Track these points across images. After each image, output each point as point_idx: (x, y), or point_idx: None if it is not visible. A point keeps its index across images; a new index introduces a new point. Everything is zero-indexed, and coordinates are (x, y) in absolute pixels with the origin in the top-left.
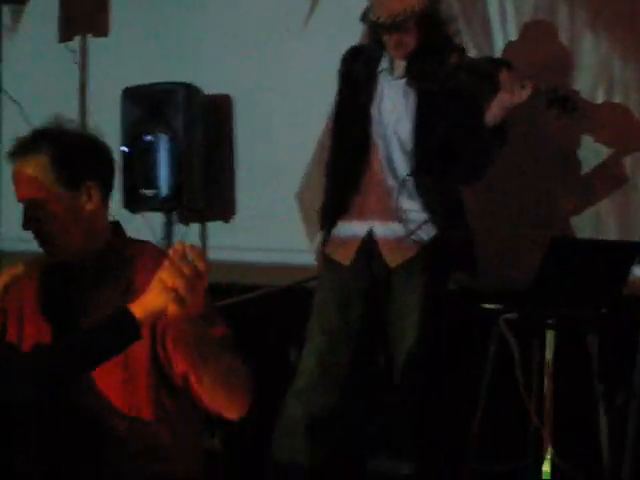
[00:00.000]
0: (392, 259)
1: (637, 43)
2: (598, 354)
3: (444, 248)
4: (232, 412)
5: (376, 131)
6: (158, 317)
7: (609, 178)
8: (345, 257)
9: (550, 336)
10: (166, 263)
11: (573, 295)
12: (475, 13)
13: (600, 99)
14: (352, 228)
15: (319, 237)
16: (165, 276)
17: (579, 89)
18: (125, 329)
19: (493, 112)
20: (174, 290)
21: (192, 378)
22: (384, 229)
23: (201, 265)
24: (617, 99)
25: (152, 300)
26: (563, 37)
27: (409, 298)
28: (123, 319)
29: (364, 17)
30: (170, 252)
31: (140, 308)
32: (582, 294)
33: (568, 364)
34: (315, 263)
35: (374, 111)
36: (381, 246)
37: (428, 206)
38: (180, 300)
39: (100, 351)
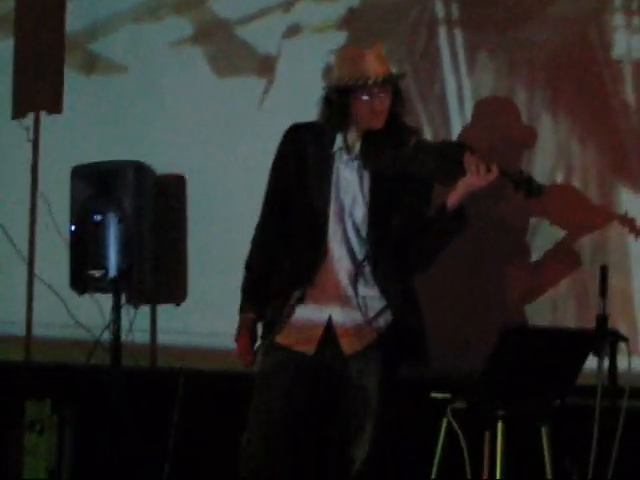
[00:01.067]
0: (349, 347)
1: (596, 126)
2: (550, 446)
3: (399, 335)
4: None
5: (334, 212)
6: None
7: (563, 262)
8: (309, 347)
9: (501, 427)
10: None
11: (525, 385)
12: (432, 93)
13: (559, 182)
14: (310, 314)
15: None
16: None
17: (538, 171)
18: None
19: (459, 194)
20: None
21: None
22: (343, 315)
23: None
24: (576, 182)
25: None
26: (522, 119)
27: (366, 385)
28: None
29: (336, 83)
30: None
31: None
32: (534, 384)
33: (520, 456)
34: None
35: (331, 192)
36: (339, 333)
37: (385, 292)
38: None
39: None
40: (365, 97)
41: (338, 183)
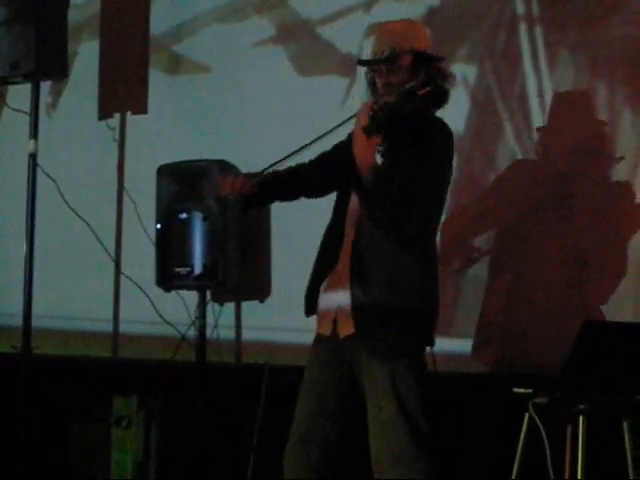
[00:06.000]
0: (346, 329)
1: None
2: (632, 441)
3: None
4: None
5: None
6: None
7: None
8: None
9: (582, 422)
10: None
11: (605, 380)
12: (513, 92)
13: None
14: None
15: None
16: None
17: (618, 167)
18: None
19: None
20: None
21: None
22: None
23: None
24: None
25: None
26: (602, 117)
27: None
28: None
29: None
30: None
31: None
32: (615, 379)
33: (601, 451)
34: None
35: None
36: (339, 316)
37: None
38: None
39: None
40: (370, 73)
41: None
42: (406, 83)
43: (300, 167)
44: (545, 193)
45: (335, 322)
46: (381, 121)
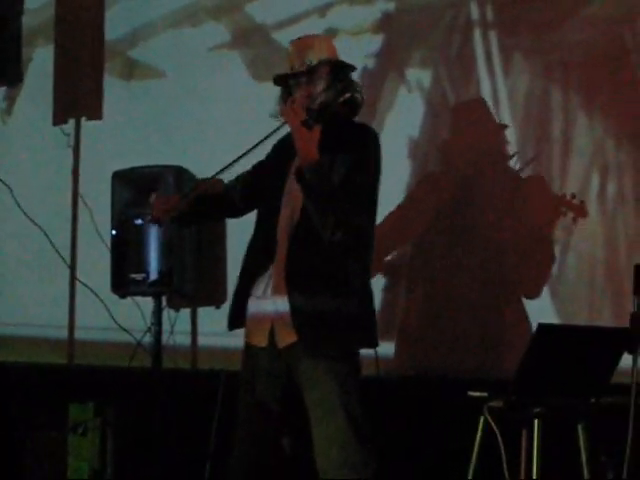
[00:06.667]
0: (284, 339)
1: (630, 126)
2: (587, 444)
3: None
4: None
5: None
6: None
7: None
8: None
9: (537, 425)
10: None
11: (560, 383)
12: (468, 96)
13: (595, 182)
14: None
15: None
16: None
17: (574, 171)
18: None
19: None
20: None
21: None
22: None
23: None
24: (612, 182)
25: None
26: (557, 121)
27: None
28: None
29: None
30: None
31: None
32: (570, 382)
33: (557, 453)
34: None
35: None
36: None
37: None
38: None
39: None
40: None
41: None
42: (326, 92)
43: (227, 191)
44: (453, 199)
45: (272, 332)
46: (317, 112)
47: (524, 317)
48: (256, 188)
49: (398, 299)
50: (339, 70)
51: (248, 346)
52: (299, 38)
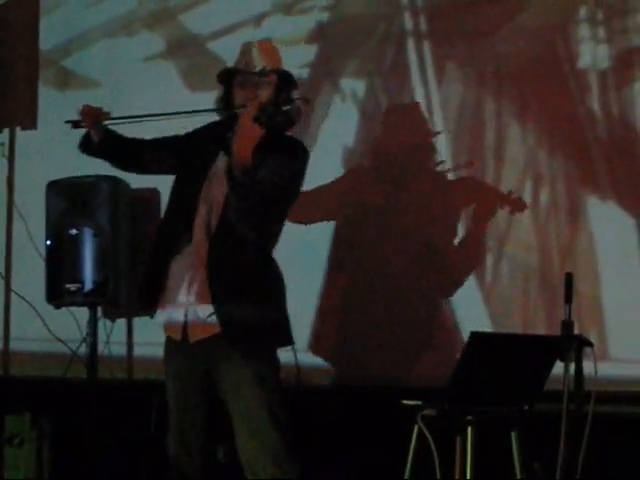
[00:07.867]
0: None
1: (563, 136)
2: (520, 450)
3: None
4: None
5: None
6: None
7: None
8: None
9: (470, 433)
10: None
11: (493, 391)
12: (401, 102)
13: (528, 192)
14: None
15: None
16: None
17: (507, 181)
18: None
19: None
20: None
21: None
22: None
23: None
24: (544, 191)
25: None
26: (490, 130)
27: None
28: None
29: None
30: None
31: None
32: (503, 390)
33: (490, 460)
34: None
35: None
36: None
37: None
38: None
39: None
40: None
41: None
42: (271, 98)
43: (140, 140)
44: (380, 197)
45: (185, 327)
46: (270, 114)
47: (457, 324)
48: (179, 153)
49: (332, 306)
50: (286, 82)
51: (168, 338)
52: (264, 40)
